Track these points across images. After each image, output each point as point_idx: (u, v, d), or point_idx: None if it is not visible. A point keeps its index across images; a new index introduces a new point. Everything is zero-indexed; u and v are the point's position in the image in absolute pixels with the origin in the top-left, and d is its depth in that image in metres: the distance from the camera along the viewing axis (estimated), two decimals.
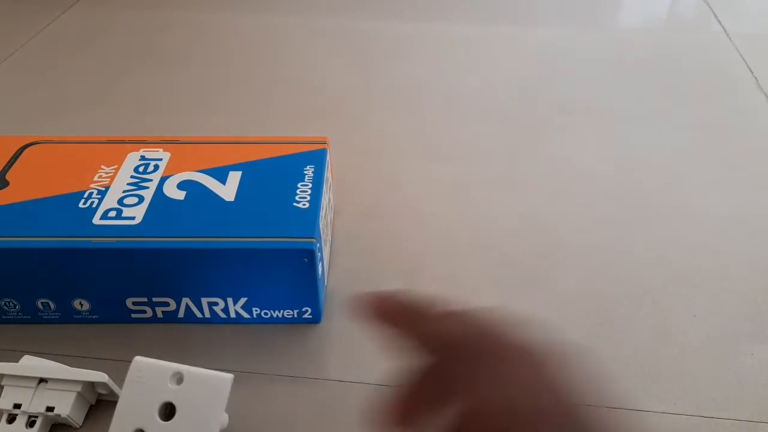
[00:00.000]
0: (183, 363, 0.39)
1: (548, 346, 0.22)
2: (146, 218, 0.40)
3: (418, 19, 0.83)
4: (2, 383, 0.35)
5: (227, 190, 0.42)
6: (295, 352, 0.40)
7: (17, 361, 0.36)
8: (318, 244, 0.39)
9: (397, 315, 0.24)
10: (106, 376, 0.35)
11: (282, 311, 0.41)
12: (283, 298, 0.40)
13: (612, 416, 0.20)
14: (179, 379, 0.34)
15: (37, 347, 0.40)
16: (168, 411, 0.34)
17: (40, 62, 0.74)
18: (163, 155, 0.45)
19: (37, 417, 0.35)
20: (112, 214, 0.40)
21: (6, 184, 0.43)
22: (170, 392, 0.34)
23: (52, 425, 0.36)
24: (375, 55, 0.75)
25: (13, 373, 0.35)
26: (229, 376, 0.34)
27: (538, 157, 0.58)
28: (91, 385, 0.36)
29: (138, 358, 0.34)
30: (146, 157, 0.45)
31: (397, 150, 0.59)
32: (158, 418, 0.33)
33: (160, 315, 0.41)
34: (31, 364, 0.36)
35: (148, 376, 0.34)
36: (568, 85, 0.69)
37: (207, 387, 0.34)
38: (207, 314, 0.41)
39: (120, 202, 0.41)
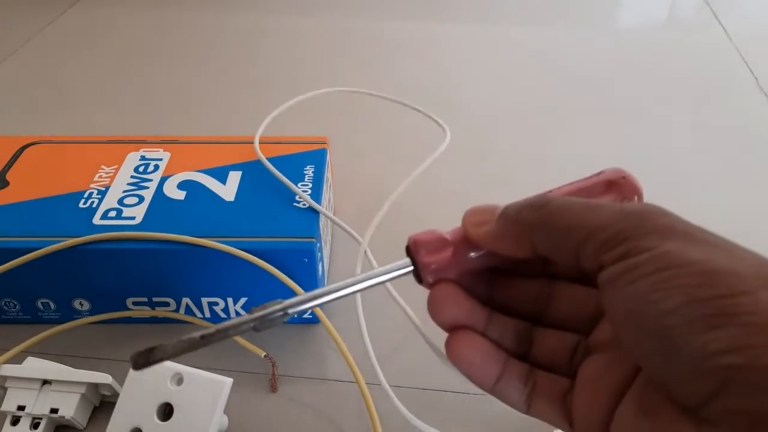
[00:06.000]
0: (183, 363, 0.39)
1: None
2: (146, 218, 0.40)
3: (418, 19, 0.83)
4: (6, 385, 0.35)
5: (227, 190, 0.42)
6: (295, 352, 0.40)
7: (18, 362, 0.36)
8: (318, 244, 0.39)
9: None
10: (110, 377, 0.35)
11: None
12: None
13: None
14: (179, 379, 0.34)
15: (38, 347, 0.40)
16: (166, 411, 0.34)
17: (40, 62, 0.74)
18: (163, 155, 0.45)
19: (41, 419, 0.35)
20: (113, 214, 0.40)
21: (6, 184, 0.43)
22: (170, 392, 0.34)
23: (56, 427, 0.36)
24: (375, 55, 0.75)
25: (17, 375, 0.35)
26: (229, 379, 0.34)
27: (538, 157, 0.58)
28: (94, 387, 0.36)
29: None
30: (146, 157, 0.45)
31: (398, 150, 0.59)
32: (156, 418, 0.33)
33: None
34: (34, 366, 0.36)
35: (149, 374, 0.34)
36: (568, 85, 0.69)
37: (206, 389, 0.34)
38: (207, 314, 0.41)
39: (120, 202, 0.41)
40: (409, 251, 0.25)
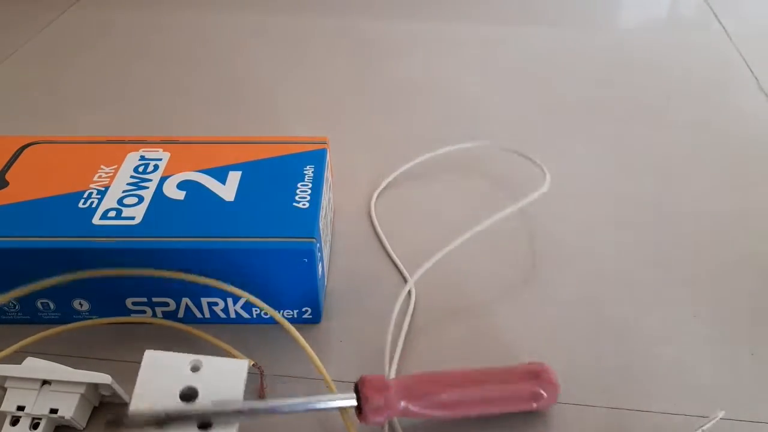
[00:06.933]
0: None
1: None
2: (146, 218, 0.40)
3: (418, 19, 0.83)
4: (6, 385, 0.35)
5: (227, 190, 0.42)
6: (295, 352, 0.40)
7: (17, 362, 0.36)
8: (318, 244, 0.39)
9: None
10: (110, 377, 0.35)
11: (282, 311, 0.41)
12: (283, 298, 0.40)
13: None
14: (195, 367, 0.34)
15: (37, 347, 0.40)
16: (189, 395, 0.34)
17: (39, 62, 0.74)
18: (163, 155, 0.45)
19: (40, 419, 0.35)
20: (112, 214, 0.40)
21: (6, 184, 0.43)
22: (190, 377, 0.34)
23: (56, 427, 0.36)
24: (375, 55, 0.75)
25: (16, 375, 0.35)
26: (246, 360, 0.34)
27: (537, 156, 0.58)
28: (94, 387, 0.36)
29: (149, 351, 0.34)
30: (146, 157, 0.45)
31: (398, 150, 0.59)
32: (179, 399, 0.33)
33: (159, 315, 0.41)
34: (34, 366, 0.36)
35: (165, 365, 0.34)
36: (568, 85, 0.69)
37: (225, 372, 0.34)
38: (207, 314, 0.41)
39: (120, 202, 0.41)
40: (357, 391, 0.33)
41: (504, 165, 0.57)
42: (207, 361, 0.34)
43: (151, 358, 0.34)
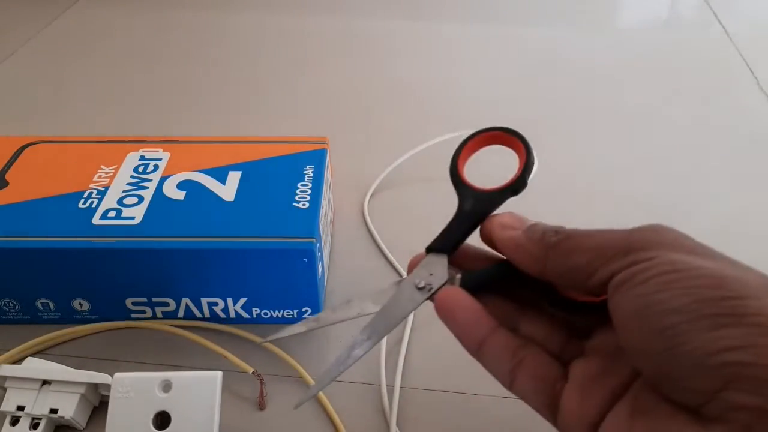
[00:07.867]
0: (182, 363, 0.39)
1: None
2: (146, 218, 0.40)
3: (418, 19, 0.83)
4: (6, 385, 0.35)
5: (227, 190, 0.42)
6: (295, 352, 0.40)
7: (18, 362, 0.36)
8: (318, 244, 0.39)
9: None
10: (110, 377, 0.35)
11: (282, 311, 0.41)
12: (283, 298, 0.40)
13: None
14: (167, 386, 0.34)
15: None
16: (163, 420, 0.33)
17: (39, 62, 0.74)
18: (163, 155, 0.45)
19: (40, 419, 0.35)
20: (112, 214, 0.40)
21: (5, 184, 0.43)
22: (161, 401, 0.33)
23: (56, 427, 0.36)
24: (374, 55, 0.75)
25: (16, 375, 0.35)
26: (218, 372, 0.34)
27: (537, 157, 0.58)
28: (94, 387, 0.36)
29: (118, 375, 0.34)
30: (146, 157, 0.45)
31: (397, 150, 0.59)
32: (154, 430, 0.33)
33: (159, 315, 0.41)
34: (34, 366, 0.36)
35: (135, 389, 0.33)
36: (568, 86, 0.69)
37: (198, 389, 0.33)
38: (207, 314, 0.41)
39: (120, 202, 0.41)
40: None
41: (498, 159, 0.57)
42: (177, 378, 0.34)
43: (120, 383, 0.34)
